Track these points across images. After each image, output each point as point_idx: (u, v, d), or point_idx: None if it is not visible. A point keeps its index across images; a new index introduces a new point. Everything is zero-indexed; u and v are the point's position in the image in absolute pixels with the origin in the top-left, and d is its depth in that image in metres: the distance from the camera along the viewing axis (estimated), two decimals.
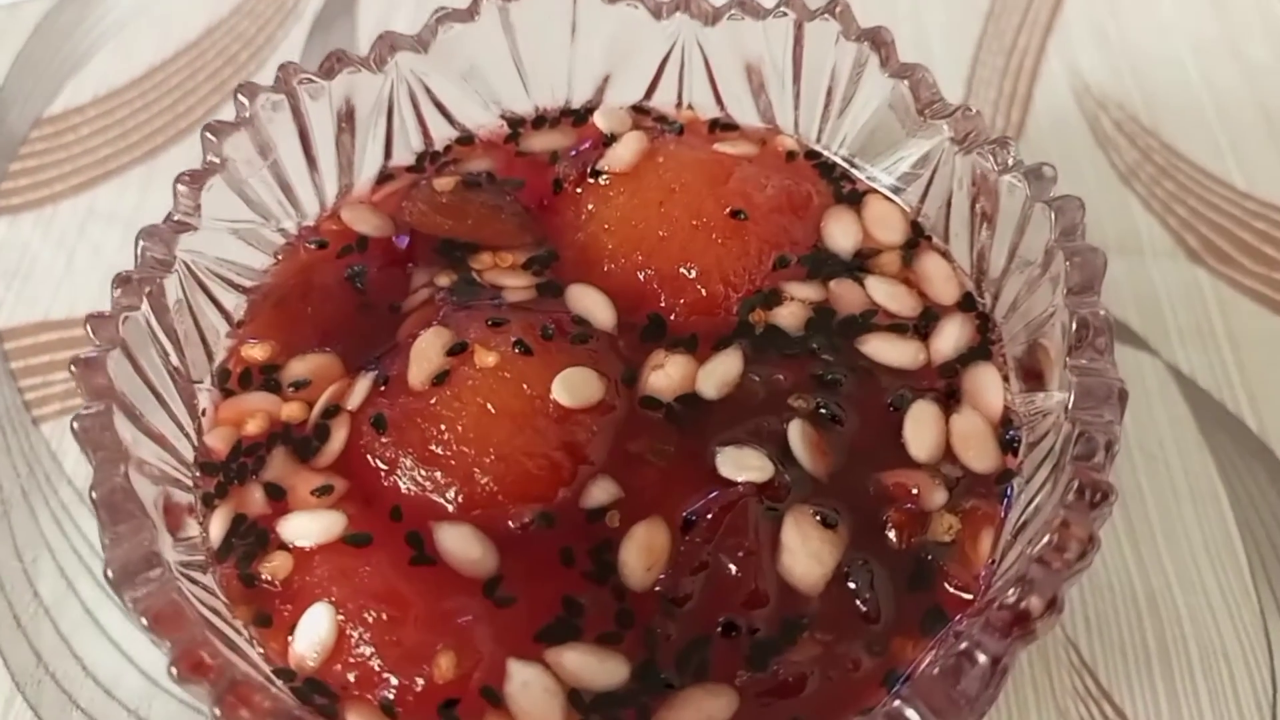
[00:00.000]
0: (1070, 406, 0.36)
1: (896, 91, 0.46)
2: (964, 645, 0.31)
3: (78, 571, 0.56)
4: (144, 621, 0.32)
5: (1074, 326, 0.37)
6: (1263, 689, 0.51)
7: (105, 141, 0.76)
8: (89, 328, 0.38)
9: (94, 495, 0.34)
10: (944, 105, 0.45)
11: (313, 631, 0.37)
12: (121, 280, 0.40)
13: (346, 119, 0.48)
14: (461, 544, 0.39)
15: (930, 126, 0.45)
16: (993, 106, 0.76)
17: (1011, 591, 0.32)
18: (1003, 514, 0.40)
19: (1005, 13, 0.82)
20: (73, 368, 0.37)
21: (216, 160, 0.44)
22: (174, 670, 0.31)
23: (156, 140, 0.76)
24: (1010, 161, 0.42)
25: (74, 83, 0.79)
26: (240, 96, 0.45)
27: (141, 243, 0.41)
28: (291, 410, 0.43)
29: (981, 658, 0.31)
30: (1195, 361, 0.62)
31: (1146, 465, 0.58)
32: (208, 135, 0.44)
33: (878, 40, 0.46)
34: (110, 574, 0.33)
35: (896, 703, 0.31)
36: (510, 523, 0.40)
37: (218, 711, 0.30)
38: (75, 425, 0.35)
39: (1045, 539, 0.33)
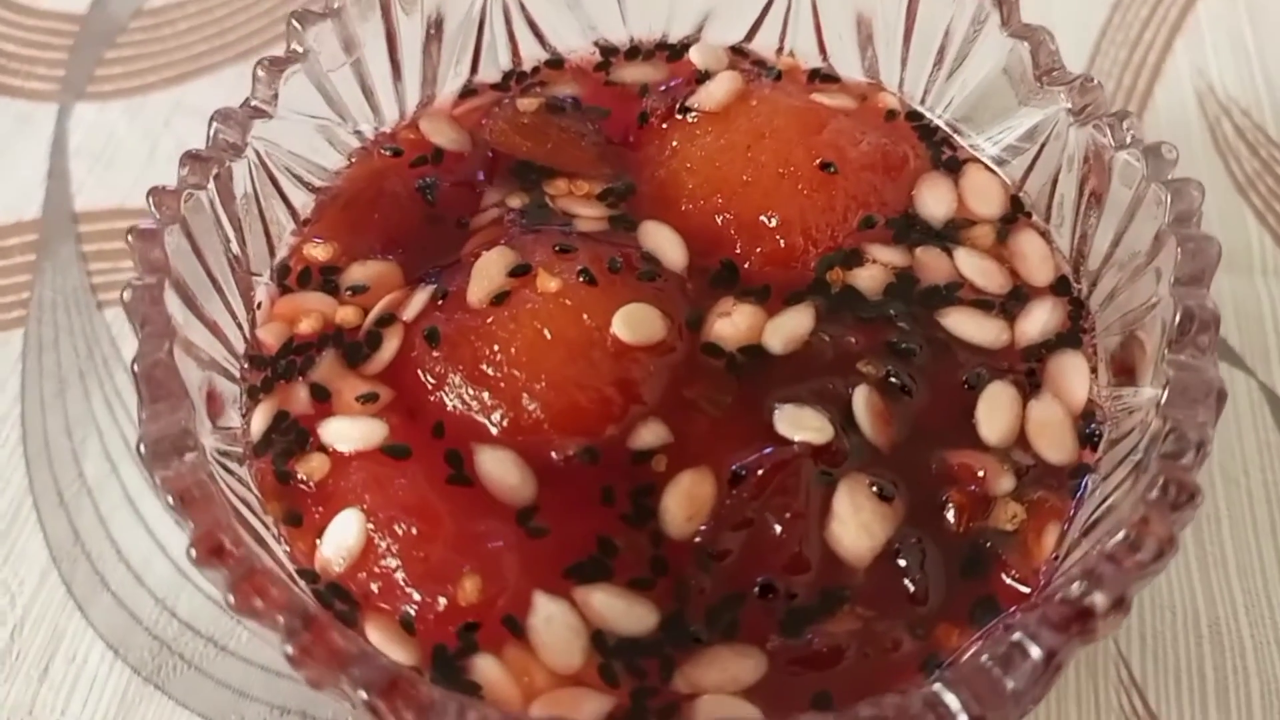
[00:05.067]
0: (1163, 403, 0.33)
1: (1014, 54, 0.43)
2: (1017, 635, 0.29)
3: (122, 456, 0.56)
4: (169, 500, 0.31)
5: (1177, 319, 0.35)
6: None
7: (201, 39, 0.76)
8: (150, 200, 0.37)
9: (135, 369, 0.33)
10: (1064, 73, 0.42)
11: (341, 536, 0.36)
12: (191, 158, 0.39)
13: (436, 27, 0.47)
14: (501, 468, 0.38)
15: (1046, 95, 0.42)
16: (1109, 100, 0.73)
17: (1076, 585, 0.30)
18: (1072, 510, 0.37)
19: (1135, 4, 0.78)
20: (129, 237, 0.36)
21: (300, 50, 0.43)
22: (193, 551, 0.30)
23: (252, 41, 0.75)
24: (1129, 138, 0.39)
25: None
26: None
27: (215, 124, 0.40)
28: (346, 314, 0.42)
29: (1035, 651, 0.29)
30: None
31: (1227, 489, 0.55)
32: (293, 23, 0.43)
33: None
34: (143, 449, 0.32)
35: (937, 686, 0.29)
36: (553, 454, 0.39)
37: (231, 599, 0.29)
38: (125, 295, 0.35)
39: (1120, 535, 0.30)
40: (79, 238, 0.66)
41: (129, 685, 0.50)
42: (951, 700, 0.28)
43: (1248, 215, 0.66)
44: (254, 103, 0.41)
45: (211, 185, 0.39)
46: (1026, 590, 0.36)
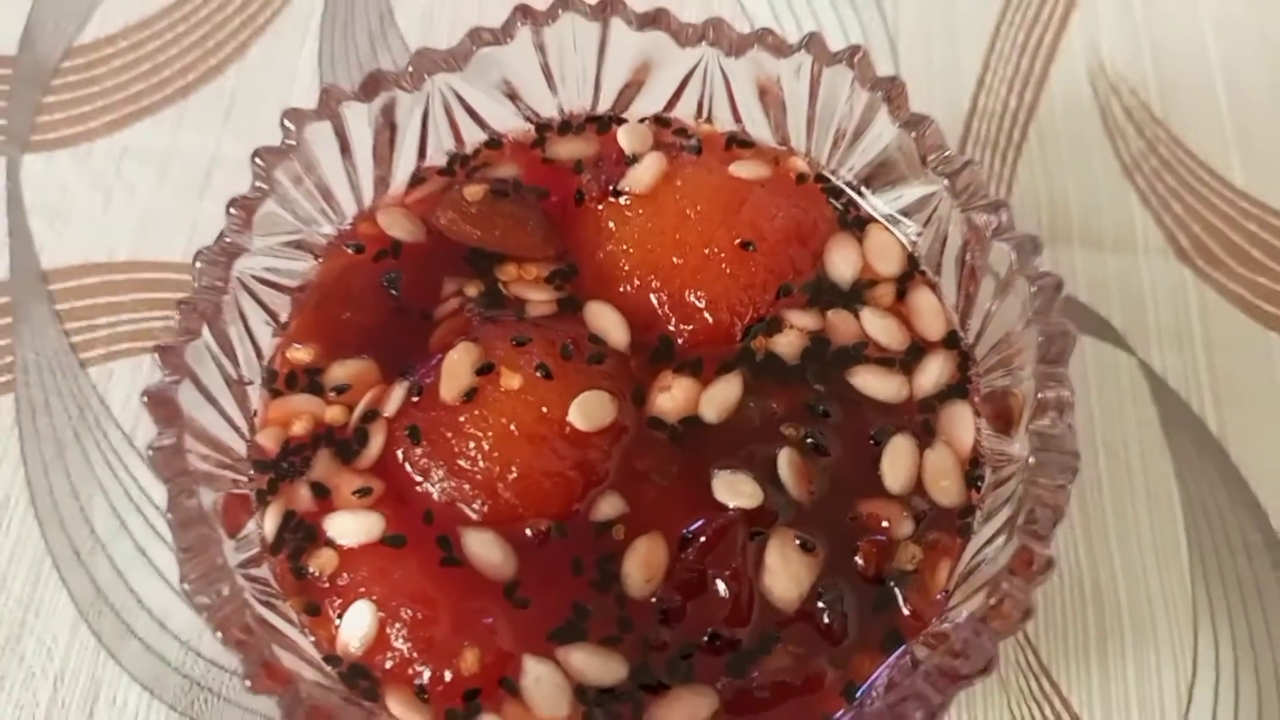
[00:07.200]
0: (1028, 474, 0.41)
1: (903, 138, 0.49)
2: (909, 689, 0.37)
3: (128, 510, 0.61)
4: (217, 634, 0.38)
5: (1037, 395, 0.42)
6: (1183, 674, 0.56)
7: (137, 76, 0.76)
8: (157, 358, 0.42)
9: (169, 518, 0.39)
10: (946, 160, 0.48)
11: (356, 626, 0.43)
12: (184, 305, 0.44)
13: (383, 130, 0.51)
14: (485, 549, 0.45)
15: (931, 177, 0.48)
16: (1008, 85, 0.76)
17: (956, 642, 0.38)
18: (961, 546, 0.45)
19: None
20: (144, 399, 0.41)
21: (265, 186, 0.47)
22: (249, 683, 0.37)
23: (188, 77, 0.76)
24: (1001, 224, 0.45)
25: (102, 10, 0.80)
26: (287, 123, 0.48)
27: (199, 265, 0.45)
28: (334, 413, 0.48)
29: (921, 708, 0.37)
30: (1169, 362, 0.64)
31: (1109, 463, 0.62)
32: (257, 162, 0.47)
33: (891, 92, 0.48)
34: (186, 588, 0.39)
35: None
36: (528, 532, 0.45)
37: None
38: (150, 455, 0.40)
39: (989, 602, 0.38)
40: (52, 296, 0.68)
41: None
42: None
43: (1132, 198, 0.71)
44: (229, 239, 0.46)
45: (205, 330, 0.44)
46: (921, 622, 0.44)
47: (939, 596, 0.44)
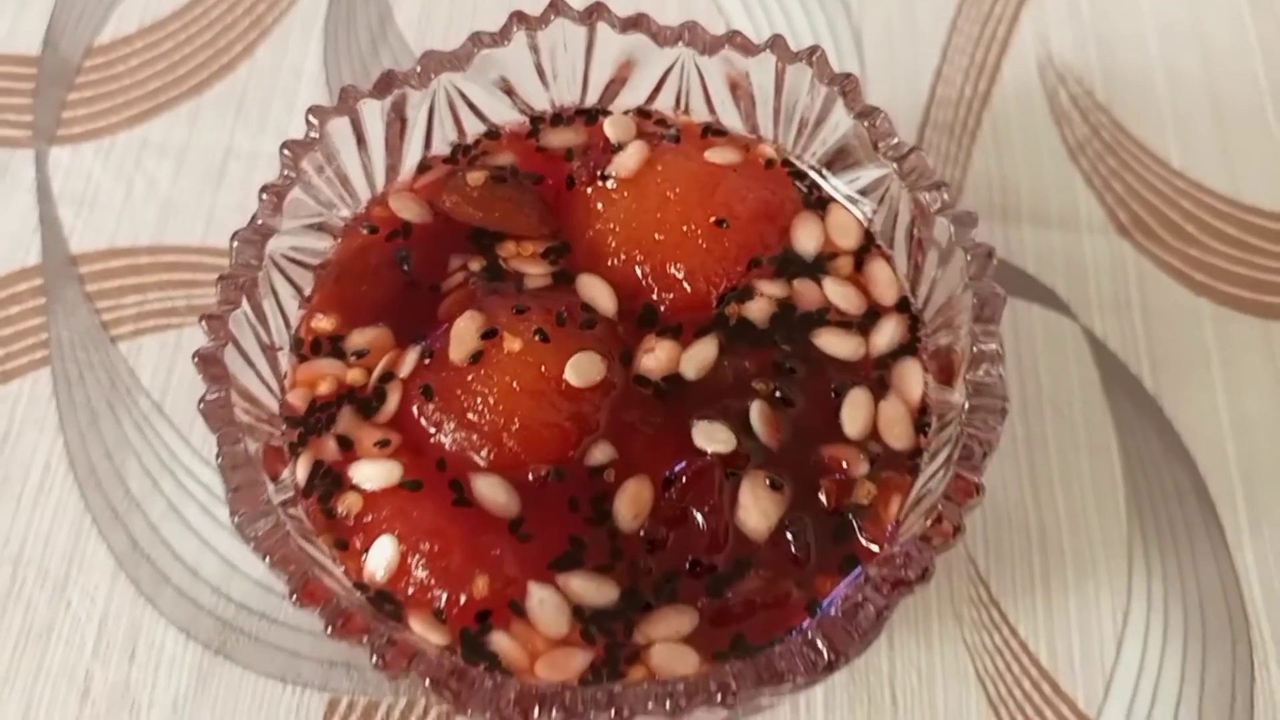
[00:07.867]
0: (965, 416, 0.47)
1: (858, 127, 0.55)
2: (860, 597, 0.44)
3: (160, 472, 0.67)
4: (266, 559, 0.44)
5: (973, 350, 0.48)
6: (1118, 603, 0.63)
7: (154, 74, 0.82)
8: (204, 324, 0.48)
9: (219, 462, 0.45)
10: (895, 146, 0.54)
11: (381, 557, 0.49)
12: (223, 279, 0.50)
13: (394, 124, 0.57)
14: (492, 491, 0.51)
15: (882, 162, 0.54)
16: (963, 74, 0.82)
17: (899, 556, 0.44)
18: (911, 483, 0.52)
19: None
20: (195, 359, 0.47)
21: (293, 175, 0.53)
22: (294, 598, 0.43)
23: (201, 74, 0.82)
24: (942, 203, 0.51)
25: (119, 11, 0.85)
26: (311, 118, 0.54)
27: (236, 244, 0.51)
28: (355, 375, 0.54)
29: (871, 609, 0.43)
30: (1109, 328, 0.71)
31: (1055, 420, 0.69)
32: (285, 153, 0.53)
33: (845, 86, 0.54)
34: (235, 520, 0.45)
35: (810, 635, 0.43)
36: (530, 476, 0.51)
37: (330, 629, 0.42)
38: (201, 408, 0.46)
39: (928, 521, 0.44)
40: (82, 279, 0.74)
41: (202, 658, 0.62)
42: (820, 643, 0.43)
43: (1077, 179, 0.77)
44: (262, 221, 0.52)
45: (244, 301, 0.50)
46: (877, 548, 0.50)
47: (891, 526, 0.50)
